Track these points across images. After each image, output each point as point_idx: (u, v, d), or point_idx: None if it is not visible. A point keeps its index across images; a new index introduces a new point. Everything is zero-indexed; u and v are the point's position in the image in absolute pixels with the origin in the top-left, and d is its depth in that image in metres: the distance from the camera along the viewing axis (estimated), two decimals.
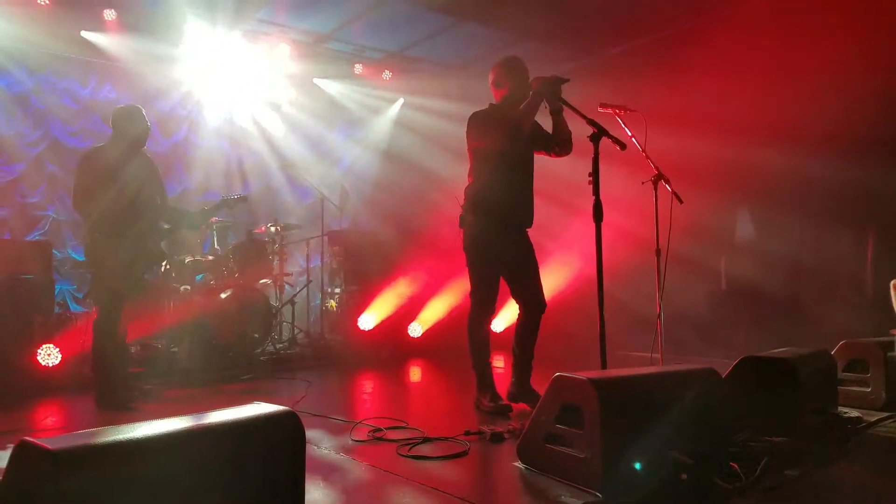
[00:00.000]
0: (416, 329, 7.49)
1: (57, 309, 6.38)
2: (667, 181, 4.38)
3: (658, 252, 4.47)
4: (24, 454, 1.72)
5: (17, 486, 1.72)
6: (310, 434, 3.56)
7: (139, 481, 1.75)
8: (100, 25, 7.52)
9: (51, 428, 4.20)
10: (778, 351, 3.76)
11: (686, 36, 6.89)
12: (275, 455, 2.09)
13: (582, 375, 2.76)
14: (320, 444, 3.48)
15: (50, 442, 1.69)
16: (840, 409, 3.90)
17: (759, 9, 6.26)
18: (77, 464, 1.65)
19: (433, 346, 7.24)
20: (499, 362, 5.00)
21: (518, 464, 3.02)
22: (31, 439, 1.71)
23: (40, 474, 1.64)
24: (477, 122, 4.34)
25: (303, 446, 2.14)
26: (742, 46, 6.22)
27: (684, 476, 2.63)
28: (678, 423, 2.88)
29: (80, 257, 7.47)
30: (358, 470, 3.07)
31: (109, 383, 4.66)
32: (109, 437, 1.79)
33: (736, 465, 2.74)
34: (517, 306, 4.51)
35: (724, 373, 3.46)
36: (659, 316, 4.49)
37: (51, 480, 1.59)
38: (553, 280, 7.15)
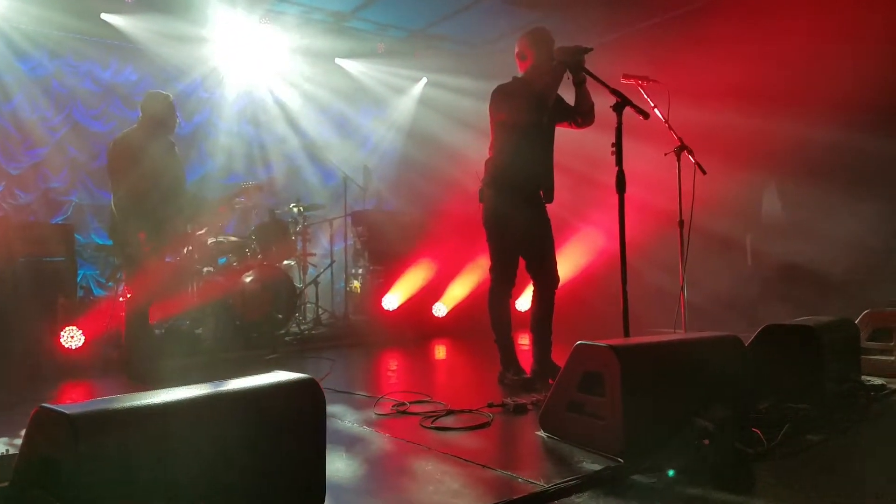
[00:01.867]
0: (440, 309, 7.45)
1: (80, 292, 6.42)
2: (690, 152, 4.32)
3: (681, 223, 4.41)
4: (43, 420, 1.73)
5: (37, 452, 1.73)
6: (333, 409, 3.60)
7: (157, 445, 1.76)
8: (119, 7, 7.55)
9: None
10: (800, 319, 3.72)
11: (712, 9, 6.74)
12: (295, 421, 2.09)
13: (603, 343, 2.73)
14: (344, 418, 3.48)
15: (68, 408, 1.70)
16: (864, 377, 3.88)
17: None
18: (95, 429, 1.66)
19: (458, 326, 7.19)
20: (523, 340, 4.97)
21: (540, 433, 3.01)
22: (50, 405, 1.72)
23: (59, 439, 1.64)
24: (500, 95, 4.29)
25: (323, 413, 2.14)
26: (767, 17, 6.07)
27: (706, 441, 2.61)
28: (700, 390, 2.86)
29: (102, 241, 7.54)
30: (380, 441, 3.07)
31: (141, 356, 4.82)
32: (127, 403, 1.79)
33: (758, 431, 2.75)
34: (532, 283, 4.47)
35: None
36: (682, 288, 4.44)
37: (70, 445, 1.60)
38: (578, 257, 7.09)
